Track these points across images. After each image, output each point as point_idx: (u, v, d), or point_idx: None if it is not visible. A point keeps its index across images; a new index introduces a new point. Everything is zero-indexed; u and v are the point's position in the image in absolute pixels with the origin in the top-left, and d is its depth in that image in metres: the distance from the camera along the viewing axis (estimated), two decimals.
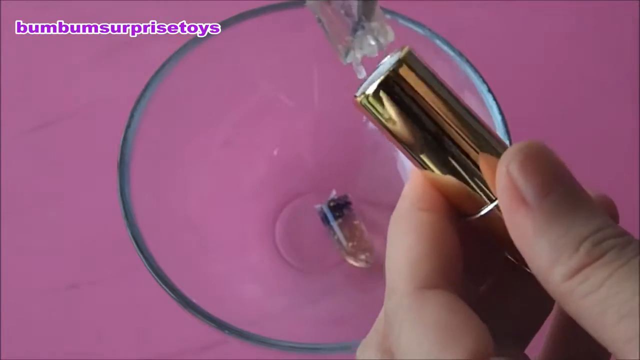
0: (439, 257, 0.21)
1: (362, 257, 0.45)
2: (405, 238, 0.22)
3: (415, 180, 0.23)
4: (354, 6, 0.27)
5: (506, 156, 0.21)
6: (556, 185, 0.20)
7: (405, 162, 0.45)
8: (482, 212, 0.22)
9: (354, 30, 0.28)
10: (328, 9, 0.27)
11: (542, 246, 0.20)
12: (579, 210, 0.20)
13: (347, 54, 0.28)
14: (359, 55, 0.28)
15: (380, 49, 0.27)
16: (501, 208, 0.21)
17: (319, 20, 0.28)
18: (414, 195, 0.23)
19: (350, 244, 0.45)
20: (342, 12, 0.28)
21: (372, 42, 0.28)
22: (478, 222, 0.23)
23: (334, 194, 0.46)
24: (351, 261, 0.45)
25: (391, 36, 0.27)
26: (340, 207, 0.46)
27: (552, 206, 0.20)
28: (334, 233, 0.45)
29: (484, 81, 0.39)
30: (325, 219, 0.46)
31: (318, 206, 0.46)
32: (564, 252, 0.19)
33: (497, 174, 0.21)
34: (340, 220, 0.45)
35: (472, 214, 0.23)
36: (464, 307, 0.21)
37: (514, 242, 0.21)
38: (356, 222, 0.46)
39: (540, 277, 0.20)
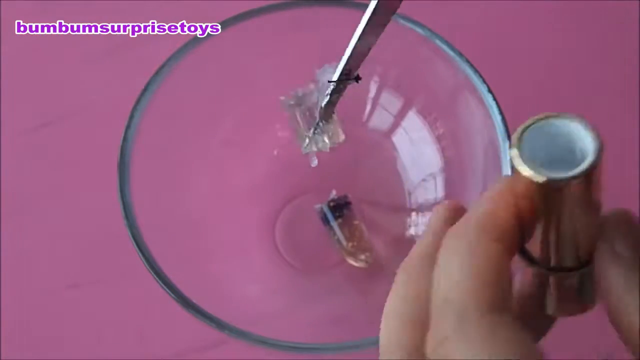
0: (505, 287, 0.21)
1: (362, 257, 0.45)
2: (472, 261, 0.21)
3: (501, 199, 0.22)
4: (317, 111, 0.37)
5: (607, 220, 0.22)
6: None
7: (405, 162, 0.45)
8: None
9: (314, 129, 0.37)
10: (297, 110, 0.38)
11: (633, 302, 0.20)
12: None
13: (306, 145, 0.37)
14: (314, 149, 0.37)
15: (332, 145, 0.37)
16: (597, 260, 0.22)
17: (291, 118, 0.38)
18: (492, 219, 0.22)
19: (350, 244, 0.45)
20: (307, 114, 0.38)
21: (326, 140, 0.37)
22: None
23: (334, 194, 0.46)
24: (351, 261, 0.45)
25: (341, 138, 0.37)
26: (340, 207, 0.46)
27: None
28: (334, 233, 0.45)
29: (484, 81, 0.39)
30: (325, 219, 0.46)
31: (318, 206, 0.46)
32: None
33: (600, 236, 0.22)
34: (340, 220, 0.45)
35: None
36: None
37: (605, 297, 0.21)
38: (356, 222, 0.46)
39: (628, 332, 0.21)
